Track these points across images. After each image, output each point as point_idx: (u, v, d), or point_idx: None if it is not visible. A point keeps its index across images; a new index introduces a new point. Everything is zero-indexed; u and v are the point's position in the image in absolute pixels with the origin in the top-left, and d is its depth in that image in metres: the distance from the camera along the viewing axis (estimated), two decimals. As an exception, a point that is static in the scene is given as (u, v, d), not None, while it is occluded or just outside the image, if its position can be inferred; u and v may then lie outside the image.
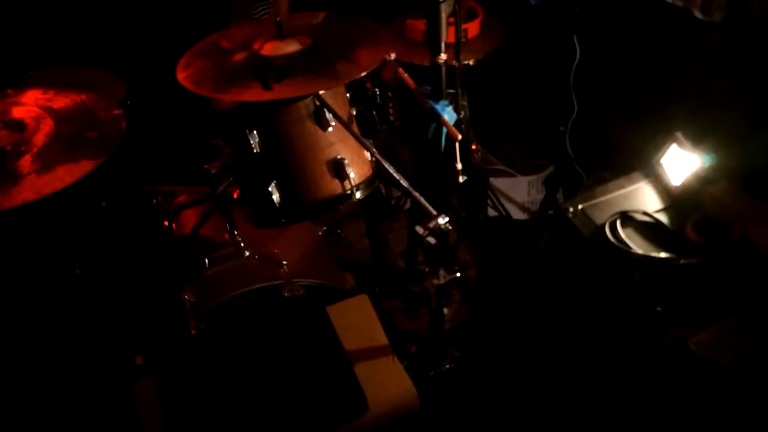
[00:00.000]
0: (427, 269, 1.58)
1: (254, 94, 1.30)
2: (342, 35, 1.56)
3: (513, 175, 2.99)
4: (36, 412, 1.93)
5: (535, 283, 2.27)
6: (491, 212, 2.72)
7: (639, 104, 2.17)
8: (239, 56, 1.48)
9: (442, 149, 1.87)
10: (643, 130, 2.02)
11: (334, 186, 1.64)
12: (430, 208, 1.45)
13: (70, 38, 2.48)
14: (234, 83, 1.36)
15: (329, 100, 1.57)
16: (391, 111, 2.05)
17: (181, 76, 1.38)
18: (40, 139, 1.58)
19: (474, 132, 2.63)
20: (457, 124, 1.88)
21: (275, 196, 1.59)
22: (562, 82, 2.25)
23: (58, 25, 2.51)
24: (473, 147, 2.70)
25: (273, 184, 1.58)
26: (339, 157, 1.62)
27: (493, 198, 2.72)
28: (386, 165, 1.50)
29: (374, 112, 1.96)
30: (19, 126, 1.61)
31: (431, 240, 1.42)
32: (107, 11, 2.56)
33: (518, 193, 2.91)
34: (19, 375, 2.00)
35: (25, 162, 1.49)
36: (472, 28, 2.14)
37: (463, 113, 1.90)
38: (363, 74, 1.41)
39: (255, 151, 1.56)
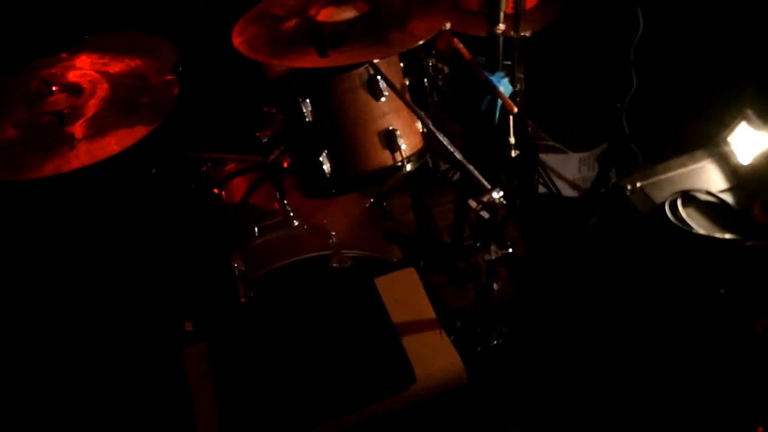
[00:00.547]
0: (477, 244, 1.55)
1: (311, 60, 1.28)
2: (399, 2, 1.52)
3: (564, 152, 2.91)
4: (90, 378, 2.00)
5: (584, 262, 2.21)
6: (541, 189, 2.66)
7: (705, 80, 2.06)
8: (294, 22, 1.46)
9: (496, 122, 1.83)
10: (708, 107, 1.92)
11: (385, 157, 1.62)
12: (485, 182, 1.42)
13: (124, 3, 2.50)
14: (290, 49, 1.34)
15: (383, 70, 1.54)
16: (441, 83, 2.01)
17: (237, 41, 1.36)
18: (95, 103, 1.60)
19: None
20: (512, 96, 1.83)
21: (326, 166, 1.59)
22: (623, 56, 2.16)
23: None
24: (528, 121, 2.63)
25: (324, 154, 1.58)
26: (391, 128, 1.60)
27: (543, 174, 2.65)
28: (441, 136, 1.47)
29: (427, 83, 1.92)
30: (76, 90, 1.64)
31: (485, 214, 1.40)
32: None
33: (569, 170, 2.83)
34: (73, 340, 2.07)
35: (82, 126, 1.52)
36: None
37: (519, 86, 1.84)
38: (420, 43, 1.37)
39: (307, 119, 1.55)
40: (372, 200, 2.17)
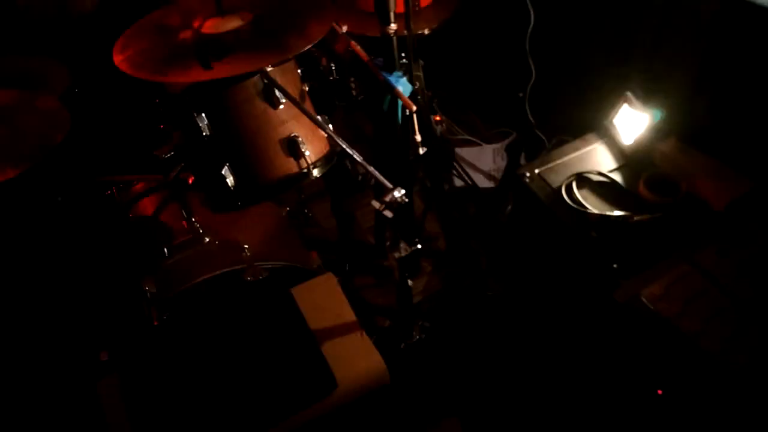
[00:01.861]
0: (387, 243, 1.57)
1: (194, 74, 1.26)
2: (285, 8, 1.52)
3: (478, 144, 2.99)
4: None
5: (501, 250, 2.28)
6: (457, 182, 2.72)
7: (593, 66, 2.17)
8: (180, 35, 1.44)
9: (400, 121, 1.85)
10: (599, 92, 2.02)
11: (290, 165, 1.61)
12: (386, 182, 1.43)
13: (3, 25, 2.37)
14: (173, 65, 1.31)
15: (278, 77, 1.53)
16: (353, 86, 2.02)
17: (118, 59, 1.33)
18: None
19: (437, 102, 2.62)
20: (412, 95, 1.86)
21: (229, 179, 1.57)
22: (519, 47, 2.24)
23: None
24: (437, 118, 2.68)
25: (226, 167, 1.56)
26: (293, 135, 1.60)
27: (459, 168, 2.71)
28: (339, 140, 1.48)
29: (330, 87, 1.93)
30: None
31: (388, 213, 1.41)
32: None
33: (484, 161, 2.91)
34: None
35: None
36: (425, -4, 2.11)
37: (418, 84, 1.88)
38: (306, 48, 1.37)
39: (204, 133, 1.52)
40: (289, 209, 2.15)
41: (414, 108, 1.67)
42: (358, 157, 1.46)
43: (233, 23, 1.41)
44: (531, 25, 2.18)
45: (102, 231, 1.98)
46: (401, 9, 1.80)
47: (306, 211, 2.58)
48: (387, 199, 1.42)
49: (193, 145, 1.57)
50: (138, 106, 2.11)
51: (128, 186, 1.95)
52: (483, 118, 3.07)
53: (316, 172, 1.65)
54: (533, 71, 2.30)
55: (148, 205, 1.90)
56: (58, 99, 1.71)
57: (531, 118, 2.41)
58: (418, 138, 1.83)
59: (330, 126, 1.64)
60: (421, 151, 1.86)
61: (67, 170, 1.98)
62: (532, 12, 2.15)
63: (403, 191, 1.43)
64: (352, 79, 2.07)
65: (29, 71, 2.16)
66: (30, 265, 1.99)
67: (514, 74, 2.37)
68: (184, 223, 1.76)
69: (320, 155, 1.67)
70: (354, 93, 2.06)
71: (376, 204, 1.43)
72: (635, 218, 1.48)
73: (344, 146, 1.47)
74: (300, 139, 1.60)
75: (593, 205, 1.58)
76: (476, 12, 2.48)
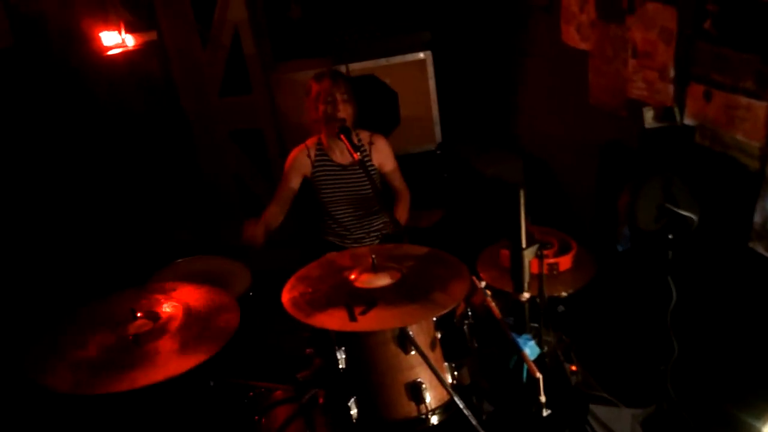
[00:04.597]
0: None
1: (338, 323, 1.47)
2: (430, 271, 1.74)
3: (616, 405, 2.83)
4: None
5: None
6: (588, 444, 2.56)
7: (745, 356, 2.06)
8: (337, 282, 1.70)
9: (524, 380, 1.89)
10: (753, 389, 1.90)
11: (410, 409, 1.71)
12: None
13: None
14: (323, 308, 1.55)
15: (413, 326, 1.70)
16: (468, 337, 2.11)
17: (285, 298, 1.60)
18: (169, 329, 1.85)
19: (575, 352, 2.59)
20: (540, 358, 1.91)
21: (353, 411, 1.70)
22: (660, 321, 2.23)
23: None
24: (573, 368, 2.64)
25: (353, 400, 1.70)
26: (418, 380, 1.72)
27: (591, 429, 2.57)
28: (456, 397, 1.57)
29: (462, 336, 2.06)
30: (154, 316, 1.91)
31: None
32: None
33: (621, 426, 2.72)
34: None
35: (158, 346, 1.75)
36: (564, 261, 2.24)
37: (546, 348, 1.94)
38: (447, 310, 1.54)
39: (341, 366, 1.71)
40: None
41: (538, 375, 1.72)
42: (473, 420, 1.53)
43: (383, 280, 1.65)
44: (673, 302, 2.18)
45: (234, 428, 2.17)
46: (537, 270, 1.92)
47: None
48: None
49: (329, 373, 1.76)
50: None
51: (267, 392, 2.15)
52: (625, 379, 2.93)
53: (434, 420, 1.73)
54: (676, 346, 2.24)
55: (280, 414, 2.08)
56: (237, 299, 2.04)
57: (673, 394, 2.29)
58: (543, 399, 1.84)
59: (455, 373, 1.74)
60: (545, 412, 1.86)
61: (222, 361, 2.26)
62: (674, 289, 2.17)
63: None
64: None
65: (222, 270, 2.61)
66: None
67: (653, 347, 2.32)
68: (305, 440, 1.89)
69: (441, 402, 1.76)
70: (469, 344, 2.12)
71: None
72: None
73: (460, 404, 1.55)
74: (424, 385, 1.71)
75: None
76: (614, 282, 2.54)
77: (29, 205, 2.99)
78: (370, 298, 1.60)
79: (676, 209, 2.08)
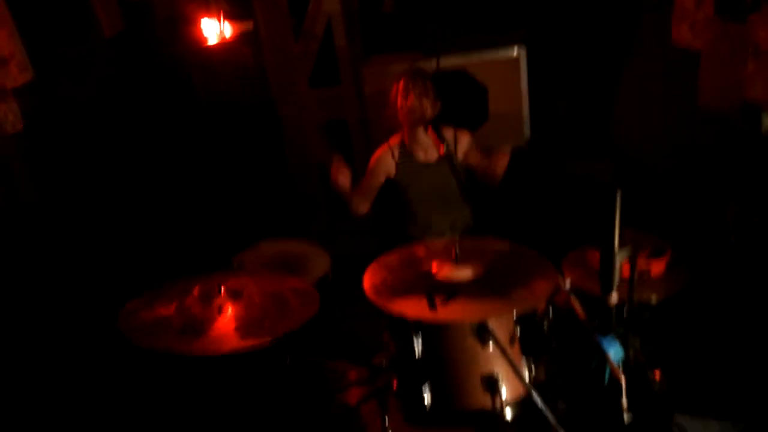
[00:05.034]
0: None
1: (418, 310, 1.48)
2: (514, 267, 1.71)
3: (705, 418, 2.66)
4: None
5: None
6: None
7: None
8: (418, 272, 1.71)
9: (606, 382, 1.82)
10: None
11: (485, 400, 1.70)
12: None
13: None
14: (404, 295, 1.56)
15: (493, 320, 1.68)
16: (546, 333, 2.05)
17: (366, 283, 1.63)
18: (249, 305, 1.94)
19: (659, 357, 2.45)
20: (623, 362, 1.83)
21: (426, 397, 1.70)
22: (760, 336, 2.07)
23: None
24: (657, 374, 2.50)
25: (426, 386, 1.70)
26: (494, 373, 1.70)
27: (676, 438, 2.43)
28: (533, 392, 1.53)
29: (542, 333, 2.01)
30: (236, 294, 2.00)
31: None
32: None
33: (708, 439, 2.56)
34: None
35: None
36: (657, 266, 2.13)
37: (632, 352, 1.85)
38: (529, 307, 1.50)
39: (417, 352, 1.71)
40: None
41: (621, 378, 1.65)
42: (551, 418, 1.49)
43: (465, 273, 1.63)
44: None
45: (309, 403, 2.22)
46: (627, 274, 1.85)
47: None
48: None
49: (404, 359, 1.77)
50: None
51: (343, 373, 2.20)
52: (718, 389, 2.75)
53: (508, 413, 1.70)
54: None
55: (353, 393, 2.11)
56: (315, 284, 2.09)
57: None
58: (625, 402, 1.76)
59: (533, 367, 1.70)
60: (627, 417, 1.78)
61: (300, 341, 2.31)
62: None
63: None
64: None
65: (302, 253, 2.68)
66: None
67: (752, 361, 2.17)
68: (378, 421, 1.91)
69: (516, 397, 1.73)
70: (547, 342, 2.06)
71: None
72: None
73: (537, 399, 1.52)
74: (500, 377, 1.69)
75: None
76: (710, 290, 2.39)
77: (140, 181, 3.21)
78: (452, 289, 1.59)
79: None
